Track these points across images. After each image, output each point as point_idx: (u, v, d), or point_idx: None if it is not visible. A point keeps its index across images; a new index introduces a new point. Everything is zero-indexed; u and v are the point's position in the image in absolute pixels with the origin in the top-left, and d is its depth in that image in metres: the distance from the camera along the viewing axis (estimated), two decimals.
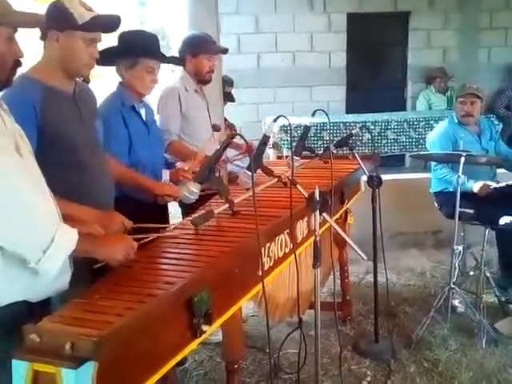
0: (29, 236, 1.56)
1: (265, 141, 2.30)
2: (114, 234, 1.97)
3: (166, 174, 2.97)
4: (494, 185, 3.67)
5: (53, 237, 1.57)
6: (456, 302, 3.76)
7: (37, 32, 2.15)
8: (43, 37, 2.17)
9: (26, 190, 1.58)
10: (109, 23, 2.22)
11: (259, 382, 3.14)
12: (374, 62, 7.92)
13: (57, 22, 2.10)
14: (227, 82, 5.14)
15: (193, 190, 2.13)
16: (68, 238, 1.62)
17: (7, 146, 1.58)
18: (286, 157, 3.77)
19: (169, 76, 6.99)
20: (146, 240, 2.06)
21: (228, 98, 5.14)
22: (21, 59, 1.73)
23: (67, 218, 1.80)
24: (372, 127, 5.64)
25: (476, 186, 3.81)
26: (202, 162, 2.91)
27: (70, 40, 2.13)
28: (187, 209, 2.77)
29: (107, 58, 2.76)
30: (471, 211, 3.74)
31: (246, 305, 2.68)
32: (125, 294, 1.68)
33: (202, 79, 3.58)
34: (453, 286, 3.52)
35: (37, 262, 1.56)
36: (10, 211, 1.53)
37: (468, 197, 3.76)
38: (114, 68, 2.93)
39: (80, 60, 2.17)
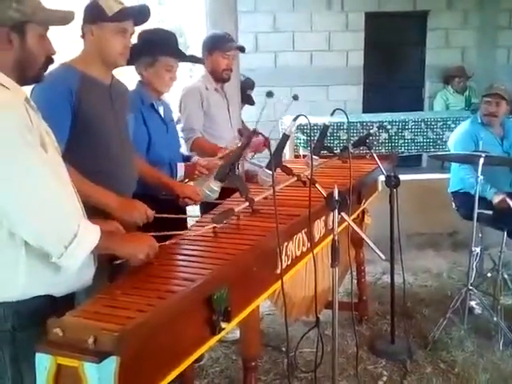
0: (52, 230, 1.58)
1: (285, 140, 2.30)
2: (136, 233, 1.99)
3: (181, 168, 2.98)
4: None
5: (76, 232, 1.58)
6: (473, 304, 3.75)
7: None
8: (82, 34, 2.34)
9: (51, 186, 1.60)
10: (137, 13, 2.35)
11: (275, 380, 3.15)
12: (392, 62, 7.86)
13: (89, 16, 2.30)
14: (248, 85, 5.11)
15: (213, 188, 2.14)
16: (91, 235, 1.64)
17: (35, 142, 1.60)
18: (304, 156, 3.76)
19: (187, 74, 7.02)
20: (167, 242, 2.06)
21: (247, 100, 5.11)
22: (53, 56, 1.77)
23: (92, 201, 1.91)
24: (389, 127, 5.59)
25: (496, 198, 3.71)
26: (221, 158, 2.94)
27: (101, 31, 2.29)
28: (206, 206, 2.79)
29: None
30: (489, 212, 3.70)
31: (262, 303, 2.69)
32: (145, 290, 1.69)
33: (218, 77, 3.59)
34: (470, 288, 3.50)
35: (59, 257, 1.58)
36: (36, 205, 1.56)
37: (486, 198, 3.73)
38: (132, 67, 2.95)
39: (113, 50, 2.31)
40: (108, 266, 1.82)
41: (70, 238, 1.57)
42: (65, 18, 1.75)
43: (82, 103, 2.21)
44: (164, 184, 2.74)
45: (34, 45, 1.68)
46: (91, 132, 2.25)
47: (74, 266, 1.62)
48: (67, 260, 1.60)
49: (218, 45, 3.57)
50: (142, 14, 2.38)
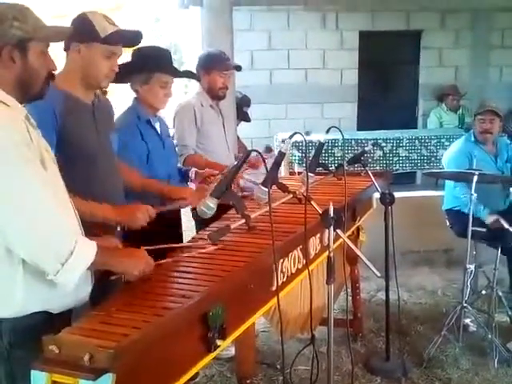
0: (48, 248, 1.58)
1: (281, 157, 2.32)
2: (132, 249, 1.99)
3: (192, 173, 3.01)
4: (506, 226, 3.63)
5: (72, 249, 1.58)
6: (468, 321, 3.74)
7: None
8: (66, 48, 2.25)
9: (48, 203, 1.60)
10: (130, 37, 2.31)
11: None
12: (386, 80, 7.94)
13: (80, 33, 2.16)
14: (245, 102, 5.15)
15: (210, 205, 2.15)
16: (87, 251, 1.64)
17: (33, 159, 1.61)
18: (299, 173, 3.78)
19: (182, 91, 7.06)
20: (163, 261, 2.06)
21: (243, 117, 5.14)
22: (54, 72, 1.79)
23: (88, 216, 1.90)
24: (384, 144, 5.63)
25: (489, 218, 3.75)
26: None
27: (91, 52, 2.22)
28: (201, 223, 2.79)
29: (121, 74, 2.80)
30: (483, 230, 3.72)
31: (257, 320, 2.69)
32: (141, 307, 1.69)
33: (215, 95, 3.63)
34: (465, 305, 3.50)
35: (55, 274, 1.58)
36: (32, 223, 1.56)
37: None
38: (125, 85, 2.96)
39: (100, 71, 2.24)
40: (106, 282, 1.81)
41: (67, 255, 1.58)
42: (64, 34, 1.77)
43: (65, 124, 2.17)
44: (160, 191, 2.72)
45: (36, 62, 1.70)
46: (75, 152, 2.20)
47: (71, 283, 1.63)
48: (64, 277, 1.59)
49: (216, 64, 3.60)
50: (134, 39, 2.34)
